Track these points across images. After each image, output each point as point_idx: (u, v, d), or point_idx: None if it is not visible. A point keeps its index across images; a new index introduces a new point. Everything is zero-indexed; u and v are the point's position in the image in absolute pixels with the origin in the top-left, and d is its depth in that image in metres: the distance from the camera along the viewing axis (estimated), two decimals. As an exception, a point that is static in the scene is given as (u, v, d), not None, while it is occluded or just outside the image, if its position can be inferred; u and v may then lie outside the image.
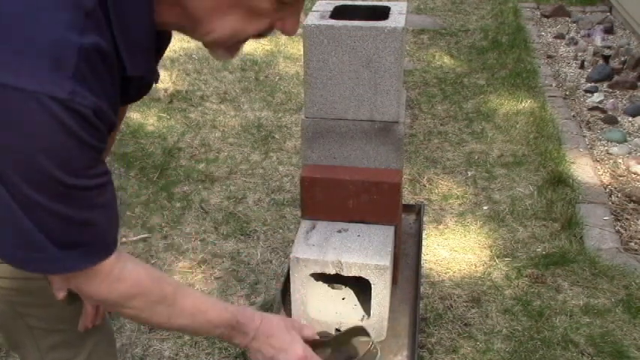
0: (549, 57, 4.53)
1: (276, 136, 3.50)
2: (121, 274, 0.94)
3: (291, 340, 1.12)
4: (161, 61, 1.02)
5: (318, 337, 1.23)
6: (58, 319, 1.27)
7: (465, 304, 2.34)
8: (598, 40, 4.66)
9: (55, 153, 0.76)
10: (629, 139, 3.46)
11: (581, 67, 4.32)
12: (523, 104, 3.80)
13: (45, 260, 0.85)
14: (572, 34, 4.89)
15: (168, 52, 1.50)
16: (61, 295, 1.17)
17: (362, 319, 1.47)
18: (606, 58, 4.27)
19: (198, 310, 1.04)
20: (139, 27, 0.82)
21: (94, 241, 0.88)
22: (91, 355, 1.35)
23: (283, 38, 4.67)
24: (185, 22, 0.86)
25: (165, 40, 1.04)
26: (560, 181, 3.03)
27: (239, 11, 0.85)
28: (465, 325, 2.25)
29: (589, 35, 4.76)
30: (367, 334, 1.29)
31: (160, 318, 1.01)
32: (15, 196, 0.78)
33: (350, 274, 1.42)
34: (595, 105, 3.81)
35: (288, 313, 1.56)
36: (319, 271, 1.44)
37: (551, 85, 4.09)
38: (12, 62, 0.72)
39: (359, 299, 1.53)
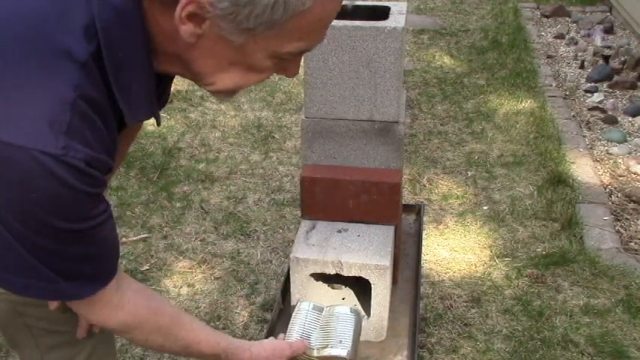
0: (549, 57, 4.53)
1: (276, 136, 3.50)
2: (119, 303, 0.98)
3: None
4: None
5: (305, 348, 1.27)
6: (57, 320, 1.27)
7: (465, 304, 2.34)
8: (598, 40, 4.66)
9: (51, 203, 0.78)
10: (629, 139, 3.46)
11: (581, 67, 4.32)
12: (523, 104, 3.81)
13: (45, 289, 0.88)
14: (572, 34, 4.89)
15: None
16: (53, 306, 1.20)
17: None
18: (606, 58, 4.27)
19: (192, 342, 1.10)
20: (136, 78, 0.83)
21: (94, 273, 0.91)
22: (91, 355, 1.35)
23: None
24: (187, 74, 0.88)
25: (169, 80, 1.04)
26: (560, 181, 3.03)
27: (240, 68, 0.86)
28: (465, 325, 2.25)
29: (589, 35, 4.76)
30: None
31: (154, 345, 1.07)
32: (16, 236, 0.81)
33: (350, 274, 1.42)
34: (595, 105, 3.81)
35: (289, 313, 1.56)
36: (319, 271, 1.44)
37: (551, 85, 4.09)
38: (6, 119, 0.74)
39: (359, 299, 1.53)
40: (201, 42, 0.81)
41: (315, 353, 1.27)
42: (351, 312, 1.31)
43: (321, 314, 1.33)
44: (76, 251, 0.86)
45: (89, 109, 0.77)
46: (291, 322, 1.33)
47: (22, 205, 0.78)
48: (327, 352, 1.27)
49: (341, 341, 1.29)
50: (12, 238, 0.81)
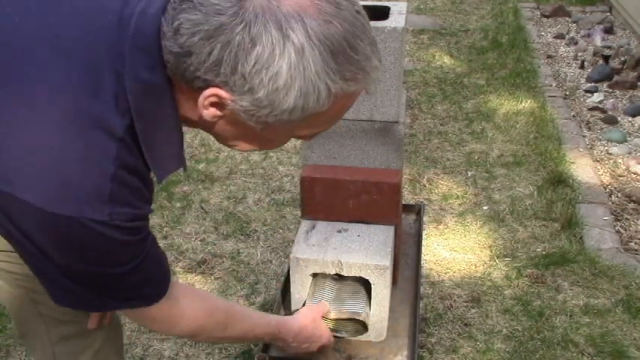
0: (549, 57, 4.53)
1: (276, 136, 3.50)
2: (179, 313, 1.07)
3: (319, 334, 1.39)
4: None
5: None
6: (69, 311, 1.28)
7: (465, 304, 2.34)
8: (598, 40, 4.66)
9: (103, 257, 0.89)
10: (629, 139, 3.46)
11: (581, 67, 4.32)
12: (523, 104, 3.80)
13: (96, 306, 1.01)
14: (572, 34, 4.88)
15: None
16: (91, 324, 1.29)
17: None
18: (606, 58, 4.27)
19: (248, 329, 1.23)
20: (166, 141, 0.90)
21: (147, 293, 1.00)
22: (100, 350, 1.36)
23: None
24: (212, 135, 0.96)
25: None
26: (560, 181, 3.03)
27: (259, 141, 0.95)
28: (465, 325, 2.25)
29: (589, 35, 4.76)
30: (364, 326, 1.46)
31: (214, 339, 1.29)
32: (71, 279, 0.91)
33: (350, 274, 1.42)
34: (595, 105, 3.81)
35: (289, 313, 1.56)
36: (319, 271, 1.44)
37: (551, 85, 4.09)
38: (59, 194, 0.81)
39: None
40: (223, 120, 0.88)
41: (332, 315, 1.44)
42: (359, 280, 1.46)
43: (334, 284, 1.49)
44: (129, 281, 0.95)
45: (127, 175, 0.85)
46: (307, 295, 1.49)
47: (79, 260, 0.87)
48: (345, 308, 1.44)
49: (354, 303, 1.45)
50: (69, 280, 0.90)
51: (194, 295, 1.14)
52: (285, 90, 0.80)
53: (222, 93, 0.82)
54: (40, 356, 1.36)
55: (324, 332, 1.41)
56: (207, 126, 0.92)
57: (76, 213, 0.82)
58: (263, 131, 0.88)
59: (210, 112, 0.86)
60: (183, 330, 1.11)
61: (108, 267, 0.91)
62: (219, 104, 0.85)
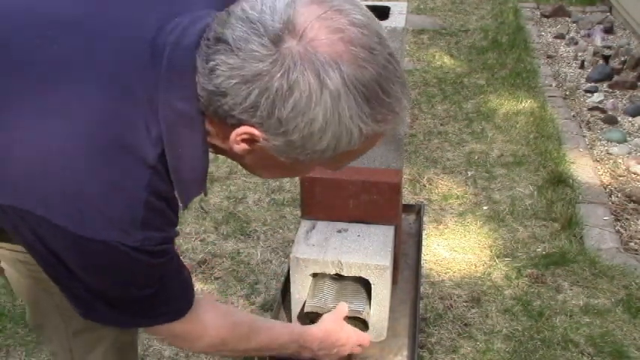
0: (549, 57, 4.53)
1: (276, 136, 3.50)
2: (202, 330, 1.08)
3: (347, 335, 1.36)
4: None
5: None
6: None
7: (465, 304, 2.34)
8: (598, 40, 4.66)
9: (131, 280, 0.91)
10: (629, 139, 3.46)
11: (581, 67, 4.32)
12: (523, 104, 3.80)
13: (119, 322, 1.01)
14: (572, 34, 4.88)
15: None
16: None
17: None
18: (606, 58, 4.27)
19: (271, 339, 1.22)
20: (192, 169, 0.92)
21: (170, 310, 1.02)
22: (114, 343, 1.37)
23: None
24: (239, 163, 0.99)
25: None
26: (560, 181, 3.03)
27: (286, 171, 0.98)
28: (465, 325, 2.25)
29: (589, 35, 4.76)
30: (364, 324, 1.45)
31: (237, 352, 1.22)
32: (97, 296, 0.93)
33: (350, 274, 1.42)
34: (595, 105, 3.81)
35: (289, 313, 1.56)
36: (319, 271, 1.44)
37: (551, 85, 4.09)
38: (93, 219, 0.83)
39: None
40: (252, 154, 0.90)
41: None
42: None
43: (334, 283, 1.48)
44: (154, 301, 0.97)
45: (157, 201, 0.87)
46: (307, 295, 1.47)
47: (107, 281, 0.90)
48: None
49: (354, 301, 1.44)
50: (92, 297, 0.92)
51: (216, 310, 1.14)
52: (320, 134, 0.82)
53: (256, 132, 0.84)
54: (56, 347, 1.38)
55: (351, 333, 1.37)
56: (235, 157, 0.94)
57: (109, 238, 0.84)
58: (291, 165, 0.90)
59: (240, 147, 0.88)
60: (204, 345, 1.12)
61: (135, 289, 0.93)
62: (250, 140, 0.86)
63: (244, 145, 0.87)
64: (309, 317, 1.45)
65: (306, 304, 1.45)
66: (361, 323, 1.45)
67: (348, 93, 0.80)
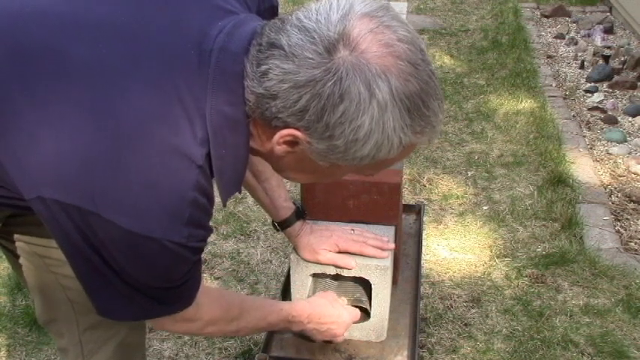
0: (549, 57, 4.53)
1: (276, 136, 3.50)
2: (196, 315, 1.09)
3: (338, 313, 1.35)
4: None
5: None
6: None
7: (465, 304, 2.34)
8: (598, 40, 4.66)
9: (168, 273, 0.93)
10: (629, 139, 3.46)
11: (581, 67, 4.32)
12: (523, 104, 3.80)
13: (143, 313, 1.02)
14: (572, 34, 4.88)
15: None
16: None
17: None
18: (606, 58, 4.27)
19: (261, 319, 1.24)
20: (233, 169, 0.95)
21: (186, 297, 1.03)
22: (124, 340, 1.39)
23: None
24: (272, 164, 1.02)
25: None
26: (560, 181, 3.03)
27: (320, 176, 1.00)
28: (465, 325, 2.25)
29: (589, 35, 4.76)
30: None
31: (228, 333, 1.30)
32: (127, 283, 0.93)
33: (350, 275, 1.42)
34: (595, 105, 3.81)
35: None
36: (319, 272, 1.44)
37: (551, 85, 4.09)
38: (135, 212, 0.85)
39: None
40: (292, 155, 0.93)
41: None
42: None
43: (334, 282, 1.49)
44: (178, 291, 0.99)
45: (202, 198, 0.90)
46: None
47: (145, 274, 0.92)
48: (348, 297, 1.42)
49: (356, 293, 1.44)
50: (120, 282, 0.92)
51: (208, 293, 1.15)
52: (363, 142, 0.86)
53: (300, 135, 0.87)
54: (66, 343, 1.39)
55: (341, 311, 1.36)
56: (273, 158, 0.96)
57: (158, 234, 0.86)
58: (328, 169, 0.93)
59: (281, 148, 0.91)
60: (198, 328, 1.14)
61: (167, 282, 0.96)
62: (292, 142, 0.90)
63: (285, 147, 0.91)
64: None
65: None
66: (363, 312, 1.45)
67: (394, 104, 0.84)
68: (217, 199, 0.97)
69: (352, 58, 0.83)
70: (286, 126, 0.87)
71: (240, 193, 1.03)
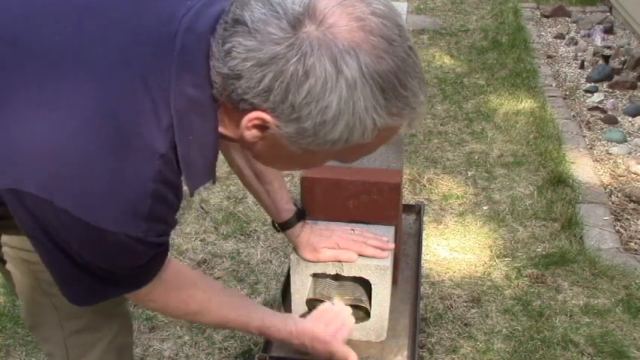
0: (549, 57, 4.53)
1: (276, 136, 3.50)
2: (152, 298, 1.07)
3: (333, 332, 1.29)
4: None
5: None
6: None
7: (465, 304, 2.34)
8: (598, 40, 4.66)
9: (124, 262, 0.92)
10: (629, 139, 3.46)
11: (581, 67, 4.32)
12: (523, 104, 3.81)
13: (100, 296, 1.00)
14: (572, 34, 4.88)
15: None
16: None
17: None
18: (606, 58, 4.27)
19: (222, 321, 1.20)
20: (202, 155, 0.91)
21: (141, 280, 1.01)
22: (111, 343, 1.37)
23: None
24: (251, 154, 0.97)
25: None
26: (560, 181, 3.03)
27: (297, 162, 0.96)
28: (465, 325, 2.25)
29: (589, 35, 4.76)
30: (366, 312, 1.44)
31: (188, 320, 1.29)
32: (82, 268, 0.91)
33: (350, 275, 1.42)
34: (595, 105, 3.81)
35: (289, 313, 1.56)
36: (319, 272, 1.44)
37: (551, 85, 4.09)
38: (98, 206, 0.83)
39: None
40: (263, 141, 0.88)
41: (335, 302, 1.40)
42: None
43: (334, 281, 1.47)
44: (137, 274, 0.98)
45: (165, 189, 0.86)
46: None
47: (101, 261, 0.90)
48: (348, 296, 1.41)
49: (356, 293, 1.43)
50: (78, 270, 0.91)
51: (173, 282, 1.11)
52: (333, 123, 0.81)
53: (268, 117, 0.82)
54: (52, 348, 1.37)
55: (343, 331, 1.32)
56: (246, 145, 0.92)
57: (113, 227, 0.83)
58: (302, 155, 0.88)
59: (251, 133, 0.86)
60: (152, 308, 1.15)
61: (123, 269, 0.94)
62: (261, 127, 0.85)
63: (255, 132, 0.86)
64: (312, 305, 1.44)
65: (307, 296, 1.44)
66: (363, 312, 1.44)
67: (364, 83, 0.79)
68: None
69: (318, 33, 0.77)
70: (253, 108, 0.82)
71: (214, 183, 0.99)
